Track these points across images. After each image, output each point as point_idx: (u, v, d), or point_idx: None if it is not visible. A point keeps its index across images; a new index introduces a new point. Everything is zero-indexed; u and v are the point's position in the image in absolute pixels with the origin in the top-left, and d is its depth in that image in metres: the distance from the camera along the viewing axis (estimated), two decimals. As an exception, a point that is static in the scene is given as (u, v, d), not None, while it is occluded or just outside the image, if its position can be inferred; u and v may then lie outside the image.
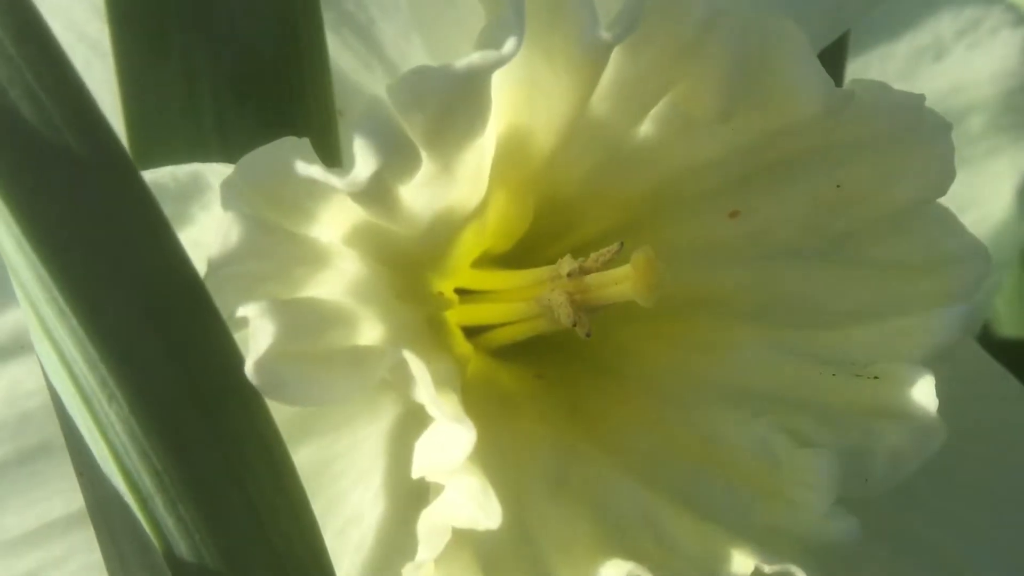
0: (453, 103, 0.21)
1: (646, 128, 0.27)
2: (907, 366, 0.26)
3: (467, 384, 0.28)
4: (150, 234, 0.20)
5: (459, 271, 0.28)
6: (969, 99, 0.45)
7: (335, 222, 0.23)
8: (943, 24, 0.44)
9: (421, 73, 0.21)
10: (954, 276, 0.27)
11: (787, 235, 0.28)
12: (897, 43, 0.44)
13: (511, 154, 0.27)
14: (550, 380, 0.30)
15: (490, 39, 0.21)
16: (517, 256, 0.30)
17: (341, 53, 0.29)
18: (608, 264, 0.27)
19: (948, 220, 0.27)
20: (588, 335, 0.27)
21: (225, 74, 0.26)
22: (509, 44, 0.21)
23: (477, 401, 0.27)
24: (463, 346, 0.29)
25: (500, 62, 0.21)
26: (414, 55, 0.29)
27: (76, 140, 0.18)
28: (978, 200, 0.46)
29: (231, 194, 0.21)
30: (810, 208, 0.28)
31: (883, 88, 0.26)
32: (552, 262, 0.28)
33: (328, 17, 0.29)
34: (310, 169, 0.21)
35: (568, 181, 0.28)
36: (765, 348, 0.28)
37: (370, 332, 0.24)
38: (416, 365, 0.23)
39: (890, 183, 0.27)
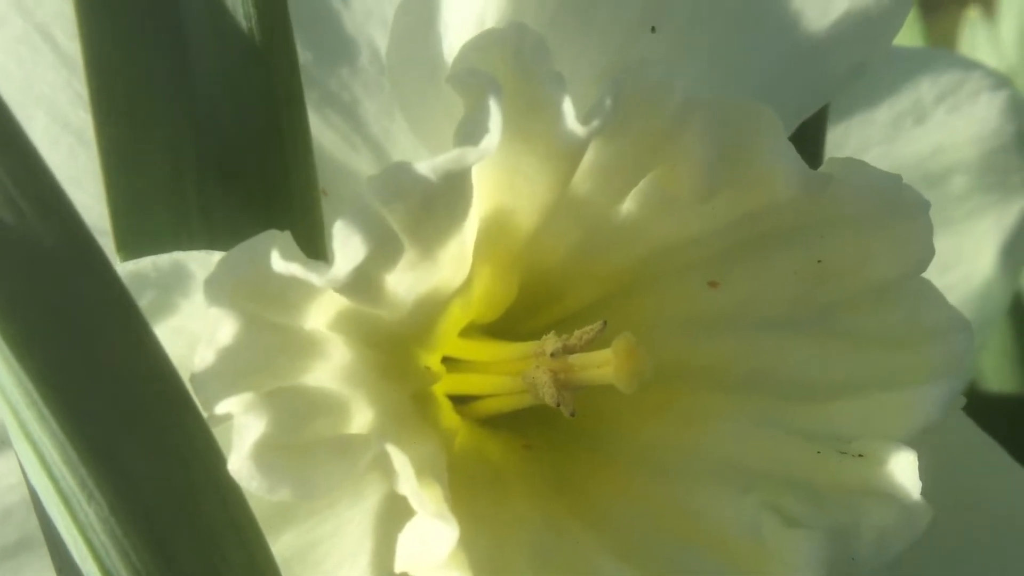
0: (434, 198, 0.22)
1: (627, 206, 0.27)
2: (891, 445, 0.26)
3: (455, 458, 0.28)
4: (129, 334, 0.20)
5: (446, 341, 0.28)
6: (951, 161, 0.46)
7: (319, 311, 0.23)
8: (923, 89, 0.45)
9: (401, 168, 0.21)
10: (936, 351, 0.27)
11: (769, 307, 0.28)
12: (878, 109, 0.44)
13: (495, 233, 0.27)
14: (538, 452, 0.30)
15: (469, 134, 0.22)
16: (504, 325, 0.30)
17: (324, 132, 0.29)
18: (591, 343, 0.27)
19: (930, 293, 0.27)
20: (572, 414, 0.27)
21: (209, 158, 0.27)
22: (486, 141, 0.21)
23: (464, 478, 0.27)
24: (451, 418, 0.29)
25: (478, 158, 0.21)
26: (398, 133, 0.29)
27: (55, 245, 0.19)
28: (962, 259, 0.46)
29: (215, 291, 0.21)
30: (791, 281, 0.28)
31: (861, 167, 0.26)
32: (539, 332, 0.28)
33: (311, 97, 0.29)
34: (291, 266, 0.21)
35: (552, 256, 0.28)
36: (749, 421, 0.28)
37: (356, 418, 0.24)
38: (399, 459, 0.23)
39: (869, 260, 0.27)
